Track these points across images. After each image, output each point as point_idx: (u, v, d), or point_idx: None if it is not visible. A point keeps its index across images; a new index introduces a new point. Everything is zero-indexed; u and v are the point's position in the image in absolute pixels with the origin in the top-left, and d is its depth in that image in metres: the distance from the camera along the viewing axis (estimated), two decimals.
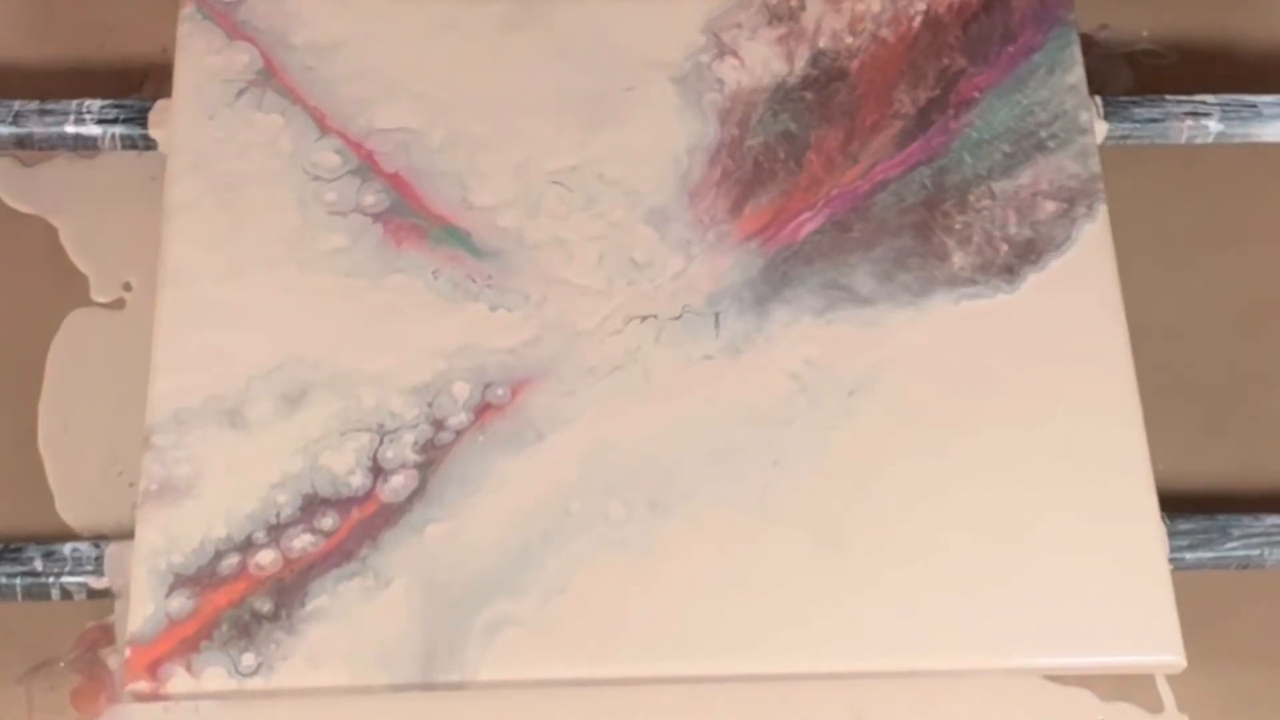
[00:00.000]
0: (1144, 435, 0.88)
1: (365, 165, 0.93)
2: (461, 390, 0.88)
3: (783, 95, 0.96)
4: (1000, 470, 0.87)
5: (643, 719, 0.91)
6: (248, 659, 0.82)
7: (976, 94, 0.96)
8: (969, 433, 0.87)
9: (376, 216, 0.92)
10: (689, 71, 0.96)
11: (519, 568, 0.84)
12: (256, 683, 0.81)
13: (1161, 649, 0.84)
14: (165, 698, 0.82)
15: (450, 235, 0.91)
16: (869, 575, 0.84)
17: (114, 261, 1.01)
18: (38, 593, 0.88)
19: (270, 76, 0.95)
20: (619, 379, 0.88)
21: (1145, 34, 1.11)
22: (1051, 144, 0.94)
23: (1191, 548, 0.89)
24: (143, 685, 0.82)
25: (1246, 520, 0.90)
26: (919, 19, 0.98)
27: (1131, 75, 1.10)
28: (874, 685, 0.91)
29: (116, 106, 0.97)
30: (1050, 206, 0.93)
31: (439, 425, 0.87)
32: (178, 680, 0.81)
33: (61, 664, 0.92)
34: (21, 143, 0.98)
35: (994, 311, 0.90)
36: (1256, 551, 0.90)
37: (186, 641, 0.82)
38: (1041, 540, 0.85)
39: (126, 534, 0.87)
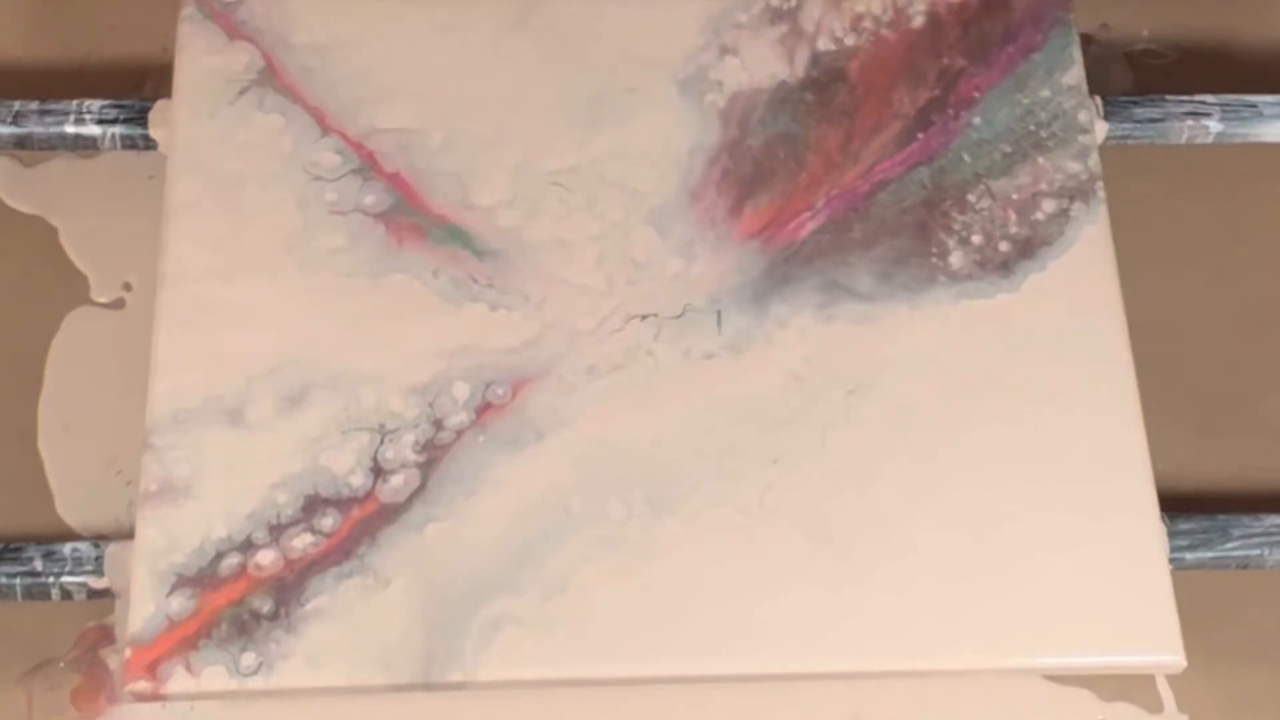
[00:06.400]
0: (1144, 435, 0.88)
1: (366, 165, 0.93)
2: (461, 390, 0.88)
3: (783, 95, 0.96)
4: (1000, 470, 0.87)
5: (643, 719, 0.91)
6: (248, 658, 0.82)
7: (976, 94, 0.96)
8: (968, 432, 0.87)
9: (377, 216, 0.92)
10: (689, 72, 0.96)
11: (519, 567, 0.84)
12: (256, 682, 0.81)
13: (1161, 649, 0.84)
14: (165, 697, 0.82)
15: (451, 235, 0.91)
16: (868, 575, 0.84)
17: (114, 261, 1.02)
18: (38, 593, 0.88)
19: (271, 76, 0.95)
20: (619, 378, 0.88)
21: (1145, 34, 1.12)
22: (1051, 144, 0.95)
23: (1191, 548, 0.89)
24: (143, 685, 0.82)
25: (1246, 520, 0.90)
26: (919, 19, 0.98)
27: (1131, 75, 1.10)
28: (874, 685, 0.91)
29: (116, 106, 0.97)
30: (1050, 206, 0.93)
31: (439, 425, 0.87)
32: (177, 680, 0.81)
33: (61, 664, 0.92)
34: (21, 143, 0.98)
35: (994, 311, 0.90)
36: (1256, 551, 0.90)
37: (186, 641, 0.82)
38: (1041, 540, 0.85)
39: (126, 534, 0.87)
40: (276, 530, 0.84)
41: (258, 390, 0.87)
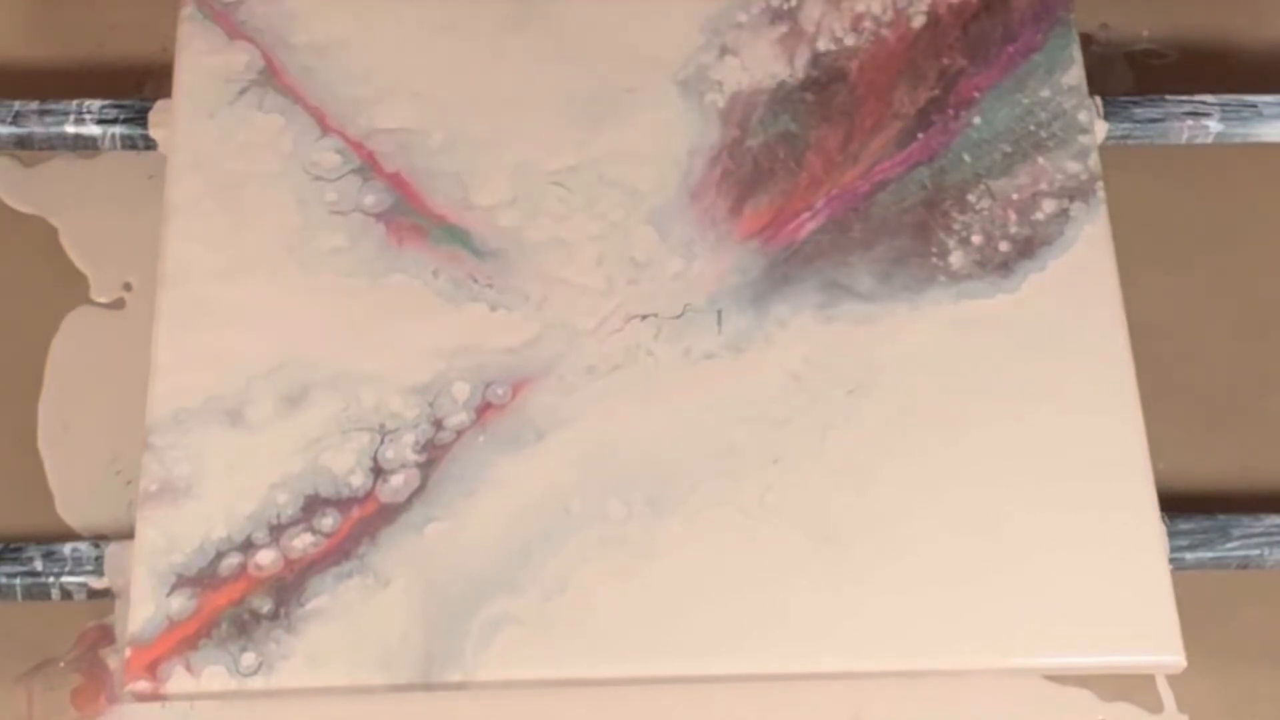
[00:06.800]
0: (1144, 435, 0.88)
1: (366, 165, 0.93)
2: (462, 390, 0.88)
3: (783, 95, 0.96)
4: (1000, 470, 0.87)
5: (643, 719, 0.91)
6: (248, 658, 0.82)
7: (976, 94, 0.96)
8: (969, 432, 0.87)
9: (377, 216, 0.92)
10: (690, 72, 0.96)
11: (519, 567, 0.84)
12: (256, 682, 0.81)
13: (1161, 649, 0.84)
14: (165, 697, 0.82)
15: (451, 235, 0.91)
16: (868, 575, 0.84)
17: (114, 261, 1.02)
18: (38, 593, 0.88)
19: (271, 76, 0.95)
20: (619, 378, 0.88)
21: (1145, 34, 1.12)
22: (1051, 144, 0.95)
23: (1191, 548, 0.89)
24: (143, 685, 0.82)
25: (1246, 520, 0.90)
26: (919, 19, 0.98)
27: (1131, 75, 1.10)
28: (874, 685, 0.91)
29: (116, 106, 0.97)
30: (1050, 206, 0.93)
31: (439, 425, 0.87)
32: (178, 680, 0.81)
33: (61, 664, 0.92)
34: (21, 143, 0.98)
35: (994, 311, 0.90)
36: (1256, 551, 0.90)
37: (186, 641, 0.82)
38: (1041, 540, 0.85)
39: (126, 534, 0.87)
40: (276, 530, 0.84)
41: (258, 390, 0.87)
